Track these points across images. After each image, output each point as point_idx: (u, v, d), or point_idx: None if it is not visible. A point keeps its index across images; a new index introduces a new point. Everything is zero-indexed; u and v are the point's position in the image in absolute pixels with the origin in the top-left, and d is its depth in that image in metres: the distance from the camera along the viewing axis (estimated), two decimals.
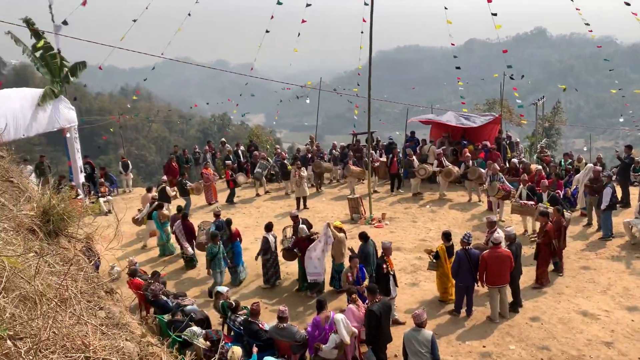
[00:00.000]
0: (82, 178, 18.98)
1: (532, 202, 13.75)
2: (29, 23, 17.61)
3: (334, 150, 21.19)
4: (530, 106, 30.43)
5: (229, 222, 13.01)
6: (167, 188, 17.49)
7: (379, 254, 10.70)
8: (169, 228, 14.74)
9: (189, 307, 10.33)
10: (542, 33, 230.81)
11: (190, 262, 13.90)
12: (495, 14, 17.06)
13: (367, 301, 9.20)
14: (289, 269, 12.88)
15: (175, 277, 13.32)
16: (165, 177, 18.51)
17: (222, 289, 10.35)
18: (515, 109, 28.27)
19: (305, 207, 17.79)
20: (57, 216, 3.93)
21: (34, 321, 2.44)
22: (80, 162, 18.93)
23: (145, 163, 78.85)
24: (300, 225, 12.25)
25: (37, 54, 18.02)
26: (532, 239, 13.37)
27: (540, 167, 17.41)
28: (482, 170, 16.33)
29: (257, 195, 19.77)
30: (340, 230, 11.79)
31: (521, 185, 14.50)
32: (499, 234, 10.44)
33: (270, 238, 12.18)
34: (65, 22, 14.71)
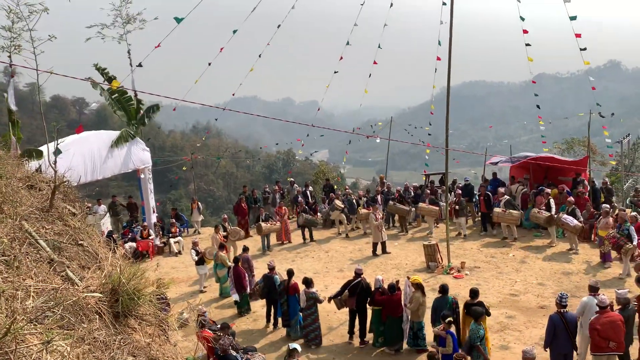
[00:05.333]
0: (154, 218, 19.08)
1: None
2: (99, 70, 18.18)
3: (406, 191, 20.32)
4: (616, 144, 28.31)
5: (290, 273, 12.31)
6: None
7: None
8: (224, 271, 14.41)
9: None
10: (616, 66, 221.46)
11: (239, 308, 13.44)
12: (584, 49, 15.93)
13: None
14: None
15: (244, 328, 12.79)
16: (225, 216, 18.22)
17: (297, 346, 9.67)
18: (601, 149, 26.35)
19: (385, 251, 16.92)
20: (126, 295, 3.40)
21: None
22: (153, 203, 19.08)
23: (213, 198, 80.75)
24: (377, 277, 11.47)
25: (114, 97, 18.51)
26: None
27: (635, 213, 15.71)
28: (570, 220, 14.89)
29: (339, 233, 19.32)
30: (419, 286, 10.84)
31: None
32: (604, 296, 9.15)
33: (302, 296, 11.48)
34: (140, 65, 14.97)
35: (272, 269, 12.66)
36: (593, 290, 9.71)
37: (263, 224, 17.73)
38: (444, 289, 10.63)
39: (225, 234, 16.80)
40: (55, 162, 5.27)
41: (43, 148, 14.03)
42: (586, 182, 18.37)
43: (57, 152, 13.51)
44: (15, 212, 4.26)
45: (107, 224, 19.14)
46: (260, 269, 14.39)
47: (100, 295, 3.25)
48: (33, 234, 3.93)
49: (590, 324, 8.70)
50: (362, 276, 11.59)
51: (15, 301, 2.67)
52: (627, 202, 19.14)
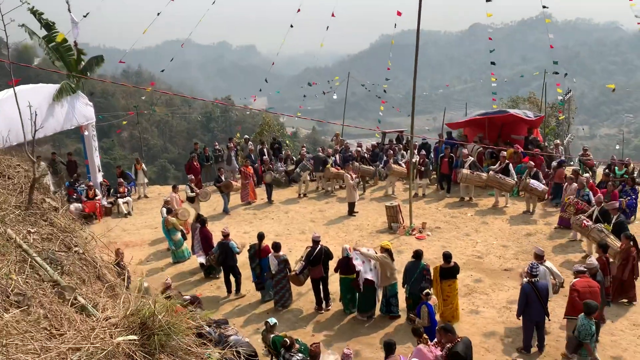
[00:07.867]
0: (100, 177, 17.88)
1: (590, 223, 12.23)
2: (35, 13, 16.29)
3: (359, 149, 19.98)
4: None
5: (261, 236, 11.96)
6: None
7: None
8: (178, 235, 13.93)
9: (233, 338, 9.32)
10: (547, 18, 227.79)
11: (208, 272, 13.17)
12: (545, 7, 15.91)
13: (435, 340, 8.21)
14: (331, 286, 11.81)
15: (208, 295, 12.37)
16: (192, 177, 17.30)
17: (273, 320, 9.36)
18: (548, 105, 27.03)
19: (353, 213, 16.74)
20: (161, 331, 2.87)
21: None
22: (97, 161, 17.82)
23: (148, 147, 77.90)
24: (344, 246, 11.23)
25: (51, 46, 16.75)
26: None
27: (587, 174, 16.16)
28: (537, 184, 15.15)
29: (300, 196, 18.80)
30: (386, 250, 10.75)
31: (595, 207, 12.62)
32: (592, 259, 9.37)
33: (273, 260, 11.30)
34: (85, 16, 13.51)
35: (226, 235, 12.20)
36: (538, 258, 9.89)
37: (233, 182, 17.43)
38: (417, 254, 10.56)
39: (193, 195, 16.07)
40: (32, 151, 4.51)
41: None
42: (539, 141, 18.79)
43: None
44: None
45: (49, 183, 17.79)
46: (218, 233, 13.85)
47: (136, 338, 2.71)
48: (30, 252, 3.26)
49: (571, 286, 8.89)
50: (319, 241, 11.37)
51: None
52: (576, 161, 19.73)
